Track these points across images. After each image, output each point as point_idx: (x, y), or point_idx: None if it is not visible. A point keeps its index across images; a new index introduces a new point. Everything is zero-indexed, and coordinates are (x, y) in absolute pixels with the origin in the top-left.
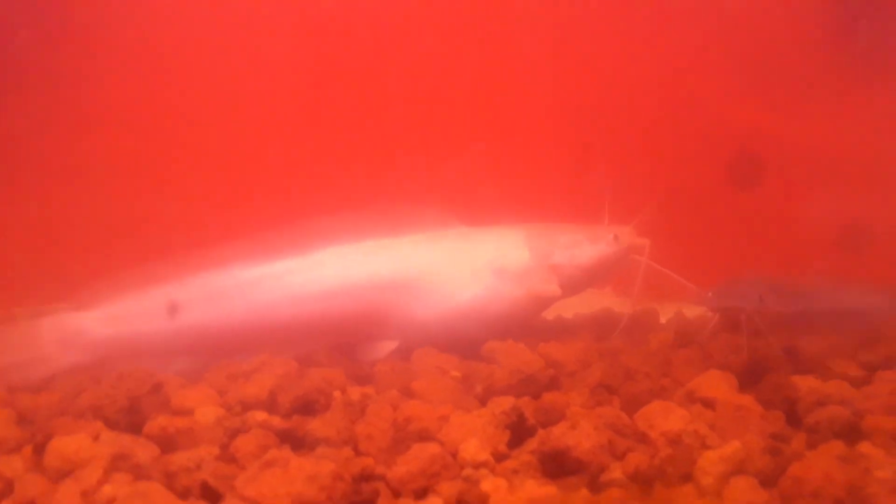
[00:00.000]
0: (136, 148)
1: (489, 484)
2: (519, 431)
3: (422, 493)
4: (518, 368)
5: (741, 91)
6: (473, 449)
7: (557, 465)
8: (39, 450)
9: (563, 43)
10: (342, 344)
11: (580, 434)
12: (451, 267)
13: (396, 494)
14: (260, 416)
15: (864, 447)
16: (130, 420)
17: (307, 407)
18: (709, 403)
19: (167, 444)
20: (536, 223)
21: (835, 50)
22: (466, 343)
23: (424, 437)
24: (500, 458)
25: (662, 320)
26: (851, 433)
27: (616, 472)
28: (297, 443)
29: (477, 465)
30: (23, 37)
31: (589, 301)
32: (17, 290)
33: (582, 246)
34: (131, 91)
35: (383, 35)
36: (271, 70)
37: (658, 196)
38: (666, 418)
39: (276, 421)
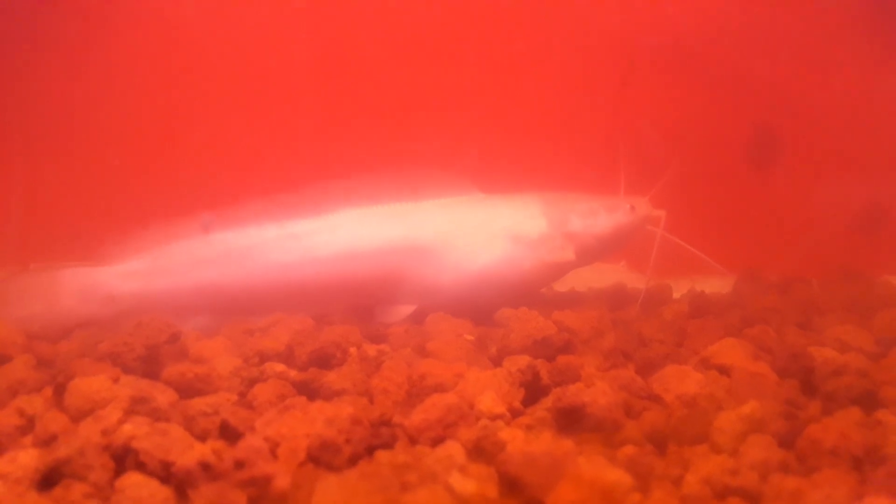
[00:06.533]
0: (154, 107)
1: (507, 433)
2: (534, 390)
3: (439, 441)
4: (532, 333)
5: (767, 64)
6: (490, 401)
7: (572, 422)
8: (60, 391)
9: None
10: (357, 307)
11: (596, 392)
12: (468, 233)
13: (413, 442)
14: (277, 367)
15: (882, 415)
16: (148, 368)
17: (323, 360)
18: (724, 370)
19: (185, 390)
20: (553, 191)
21: (865, 26)
22: (481, 309)
23: (440, 391)
24: (515, 413)
25: (676, 296)
26: (868, 401)
27: (631, 430)
28: (314, 394)
29: (493, 417)
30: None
31: (602, 276)
32: (32, 247)
33: (598, 215)
34: (147, 49)
35: None
36: (292, 26)
37: (675, 168)
38: (681, 382)
39: (293, 373)
